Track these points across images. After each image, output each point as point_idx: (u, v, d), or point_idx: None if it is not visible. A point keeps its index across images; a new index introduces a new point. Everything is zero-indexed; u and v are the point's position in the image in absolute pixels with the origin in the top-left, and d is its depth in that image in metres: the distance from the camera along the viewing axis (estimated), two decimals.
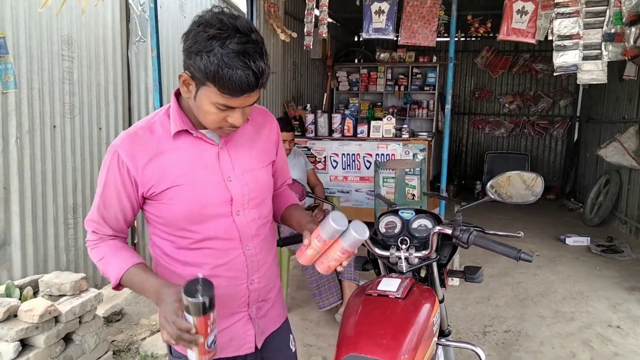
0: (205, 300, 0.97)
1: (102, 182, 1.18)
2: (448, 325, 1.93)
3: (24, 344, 2.30)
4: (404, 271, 1.61)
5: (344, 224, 1.17)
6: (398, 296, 1.40)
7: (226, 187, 1.21)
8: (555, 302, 3.50)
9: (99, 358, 2.70)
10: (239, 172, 1.23)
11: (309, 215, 1.36)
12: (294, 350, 1.52)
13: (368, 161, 5.08)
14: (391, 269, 1.67)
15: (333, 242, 1.18)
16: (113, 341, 2.97)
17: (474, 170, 8.89)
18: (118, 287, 1.19)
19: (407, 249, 1.62)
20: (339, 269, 1.23)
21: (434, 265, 1.68)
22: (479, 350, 1.66)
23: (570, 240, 4.75)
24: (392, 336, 1.27)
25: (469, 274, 1.70)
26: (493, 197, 1.57)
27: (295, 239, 1.66)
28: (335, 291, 3.08)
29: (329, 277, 3.06)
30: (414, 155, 4.93)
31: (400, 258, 1.62)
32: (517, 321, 3.22)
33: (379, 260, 1.76)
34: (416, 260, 1.62)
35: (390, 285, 1.46)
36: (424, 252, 1.61)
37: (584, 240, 4.72)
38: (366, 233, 1.19)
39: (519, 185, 1.51)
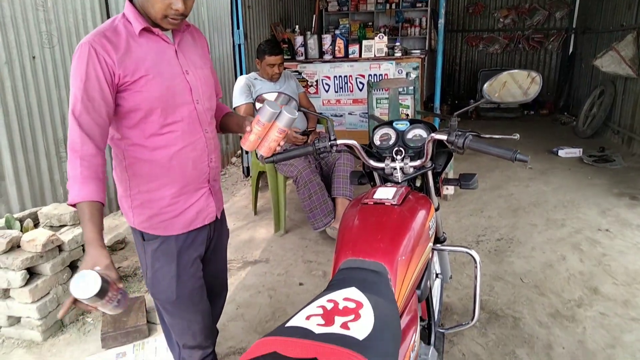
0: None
1: (83, 76, 1.27)
2: (443, 232, 1.99)
3: (31, 273, 2.36)
4: (399, 181, 1.62)
5: (277, 108, 1.42)
6: (394, 203, 1.41)
7: (185, 79, 1.43)
8: (547, 210, 3.59)
9: None
10: (192, 68, 1.46)
11: (244, 117, 1.59)
12: (227, 228, 1.85)
13: (361, 82, 4.97)
14: (387, 180, 1.68)
15: (270, 125, 1.44)
16: (119, 267, 3.06)
17: (467, 89, 8.76)
18: (73, 205, 1.29)
19: (402, 159, 1.62)
20: (278, 148, 1.49)
21: (429, 174, 1.69)
22: (473, 253, 1.71)
23: (563, 152, 4.79)
24: (389, 240, 1.30)
25: (464, 180, 1.71)
26: (489, 98, 1.54)
27: (287, 155, 1.66)
28: (328, 212, 3.14)
29: (321, 200, 3.10)
30: (407, 74, 4.82)
31: (395, 169, 1.62)
32: (509, 230, 3.32)
33: (374, 173, 1.76)
34: (411, 169, 1.62)
35: (386, 193, 1.47)
36: (419, 161, 1.61)
37: (576, 152, 4.77)
38: (296, 113, 1.44)
39: (518, 81, 1.48)
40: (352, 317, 1.04)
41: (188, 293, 1.57)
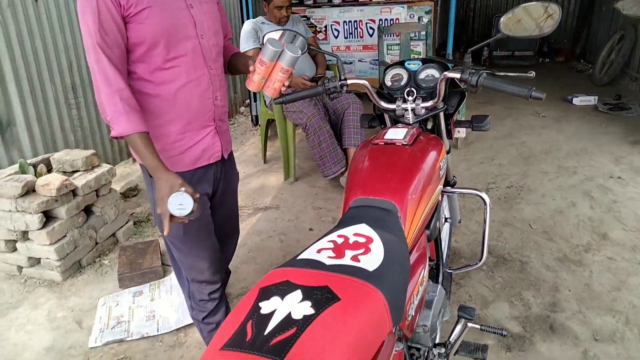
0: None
1: (95, 10, 1.26)
2: (453, 176, 1.98)
3: (48, 216, 2.41)
4: (411, 122, 1.60)
5: (280, 46, 1.39)
6: (405, 143, 1.40)
7: (189, 12, 1.40)
8: (559, 158, 3.56)
9: (121, 227, 2.86)
10: (197, 3, 1.43)
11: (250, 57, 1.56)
12: (237, 171, 1.84)
13: (371, 28, 4.82)
14: (397, 122, 1.65)
15: (274, 64, 1.41)
16: (132, 213, 3.12)
17: (481, 36, 8.48)
18: (117, 138, 1.33)
19: (414, 100, 1.59)
20: (283, 89, 1.46)
21: (441, 115, 1.66)
22: (483, 195, 1.71)
23: (577, 100, 4.68)
24: (399, 179, 1.30)
25: (476, 122, 1.68)
26: (505, 32, 1.49)
27: (297, 96, 1.64)
28: (338, 160, 3.13)
29: (331, 148, 3.09)
30: (420, 18, 4.66)
31: (406, 110, 1.59)
32: (520, 177, 3.30)
33: (384, 115, 1.74)
34: (423, 111, 1.60)
35: (397, 134, 1.45)
36: (430, 102, 1.58)
37: (591, 100, 4.65)
38: (299, 51, 1.40)
39: (534, 15, 1.42)
40: (362, 250, 1.05)
41: (196, 229, 1.60)
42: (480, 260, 1.75)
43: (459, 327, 1.46)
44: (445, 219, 2.01)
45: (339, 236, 1.12)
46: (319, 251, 1.06)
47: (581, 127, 4.13)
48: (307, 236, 2.80)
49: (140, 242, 2.83)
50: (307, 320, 0.81)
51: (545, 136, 4.00)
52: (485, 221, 1.72)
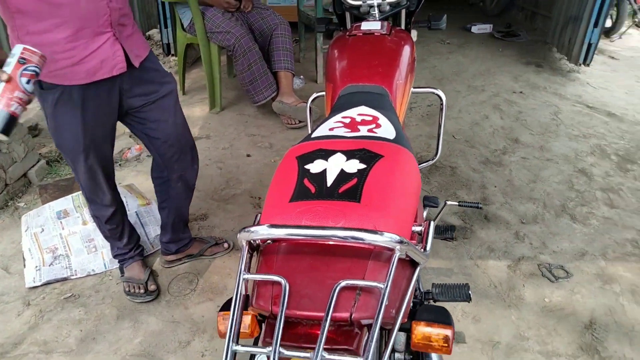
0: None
1: None
2: None
3: None
4: (377, 19, 1.61)
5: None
6: (384, 33, 1.42)
7: None
8: (468, 79, 3.84)
9: (33, 167, 2.56)
10: None
11: None
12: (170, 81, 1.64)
13: None
14: (361, 20, 1.65)
15: None
16: (40, 153, 2.78)
17: None
18: None
19: None
20: None
21: (403, 13, 1.69)
22: (439, 92, 1.80)
23: (475, 29, 5.03)
24: (387, 65, 1.33)
25: (434, 20, 1.75)
26: None
27: None
28: (269, 84, 3.05)
29: (262, 71, 2.99)
30: None
31: (372, 6, 1.60)
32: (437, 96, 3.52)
33: (346, 16, 1.73)
34: (387, 7, 1.62)
35: (372, 25, 1.47)
36: None
37: (487, 28, 5.03)
38: None
39: None
40: (373, 125, 1.07)
41: (93, 143, 1.49)
42: (436, 156, 1.88)
43: (439, 207, 1.59)
44: None
45: (344, 117, 1.13)
46: (331, 129, 1.06)
47: (482, 51, 4.47)
48: (246, 162, 2.75)
49: (62, 179, 2.56)
50: (363, 172, 0.83)
51: (453, 60, 4.27)
52: (440, 117, 1.83)
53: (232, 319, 0.71)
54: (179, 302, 1.85)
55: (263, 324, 0.81)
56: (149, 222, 2.09)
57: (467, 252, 2.04)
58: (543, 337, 1.65)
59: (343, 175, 0.82)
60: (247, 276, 0.73)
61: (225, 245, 2.04)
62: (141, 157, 2.80)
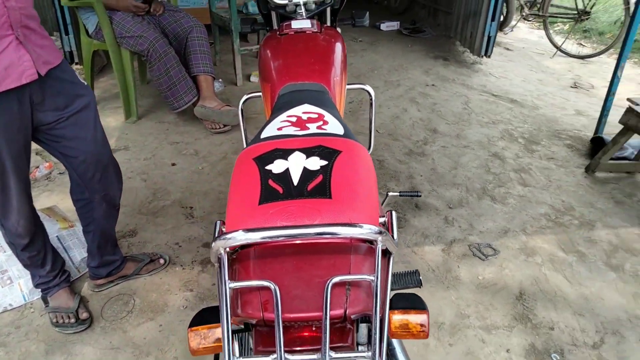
0: None
1: None
2: None
3: None
4: (305, 17, 1.62)
5: None
6: (316, 30, 1.43)
7: None
8: (383, 74, 3.99)
9: None
10: None
11: None
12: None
13: None
14: (287, 19, 1.65)
15: None
16: None
17: None
18: None
19: None
20: None
21: (328, 11, 1.72)
22: (368, 88, 1.85)
23: (384, 26, 5.24)
24: (323, 63, 1.33)
25: (358, 17, 1.79)
26: None
27: None
28: (189, 89, 2.93)
29: (180, 76, 2.87)
30: None
31: (298, 5, 1.60)
32: (356, 93, 3.61)
33: (272, 15, 1.71)
34: (313, 6, 1.63)
35: (303, 24, 1.47)
36: None
37: (395, 25, 5.26)
38: None
39: None
40: (321, 122, 1.07)
41: (4, 164, 1.34)
42: (369, 150, 1.92)
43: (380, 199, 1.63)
44: None
45: (289, 116, 1.11)
46: (280, 129, 1.04)
47: (392, 48, 4.67)
48: (172, 171, 2.63)
49: None
50: (326, 168, 0.82)
51: (367, 57, 4.41)
52: (371, 111, 1.88)
53: (226, 333, 0.66)
54: (116, 327, 1.72)
55: (235, 335, 0.78)
56: (73, 246, 1.92)
57: (404, 241, 2.11)
58: (481, 312, 1.76)
59: (307, 173, 0.81)
60: (233, 285, 0.69)
61: (161, 261, 1.93)
62: (52, 175, 2.57)
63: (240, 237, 0.66)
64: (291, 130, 1.02)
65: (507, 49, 4.85)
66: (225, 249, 0.69)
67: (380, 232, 0.67)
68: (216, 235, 0.91)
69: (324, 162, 0.84)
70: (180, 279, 1.90)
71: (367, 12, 1.78)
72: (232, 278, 0.74)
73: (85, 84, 1.50)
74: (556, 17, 4.96)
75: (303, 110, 1.14)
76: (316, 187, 0.77)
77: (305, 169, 0.82)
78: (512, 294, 1.84)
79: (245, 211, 0.76)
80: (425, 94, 3.62)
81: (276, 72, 1.32)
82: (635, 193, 2.44)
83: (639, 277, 1.92)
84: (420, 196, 1.72)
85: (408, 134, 3.04)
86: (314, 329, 0.72)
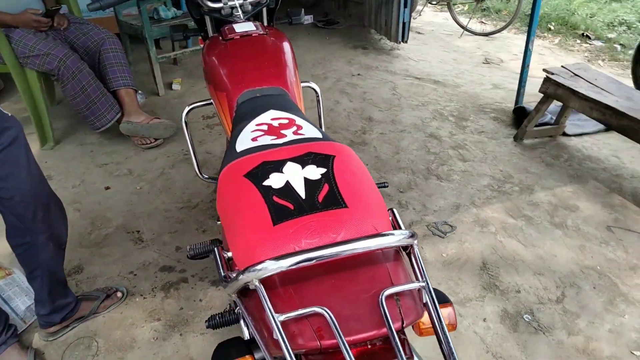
0: None
1: None
2: None
3: None
4: (242, 20, 1.55)
5: None
6: (262, 33, 1.37)
7: None
8: (308, 69, 3.98)
9: None
10: None
11: None
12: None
13: None
14: (224, 22, 1.57)
15: None
16: None
17: None
18: None
19: None
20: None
21: (264, 11, 1.66)
22: (313, 85, 1.83)
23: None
24: (277, 65, 1.29)
25: (294, 15, 1.75)
26: None
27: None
28: (110, 105, 2.72)
29: (99, 92, 2.65)
30: None
31: (235, 7, 1.53)
32: None
33: (206, 20, 1.63)
34: (250, 7, 1.57)
35: (247, 27, 1.40)
36: None
37: (309, 18, 5.25)
38: None
39: None
40: (295, 128, 1.03)
41: None
42: None
43: None
44: None
45: (259, 125, 1.06)
46: (254, 139, 0.99)
47: (311, 41, 4.67)
48: (107, 195, 2.44)
49: None
50: (328, 175, 0.79)
51: None
52: (318, 107, 1.86)
53: None
54: None
55: None
56: (14, 295, 1.71)
57: None
58: (453, 288, 1.82)
59: (310, 184, 0.77)
60: (284, 317, 0.63)
61: (119, 294, 1.78)
62: None
63: (272, 267, 0.60)
64: (268, 140, 0.97)
65: (419, 32, 5.04)
66: (259, 280, 0.63)
67: (412, 236, 0.66)
68: (219, 262, 0.84)
69: (323, 170, 0.80)
70: (143, 310, 1.76)
71: (303, 10, 1.76)
72: (270, 309, 0.66)
73: (10, 114, 1.33)
74: None
75: (271, 116, 1.09)
76: (326, 197, 0.74)
77: (306, 180, 0.78)
78: (476, 265, 1.93)
79: (261, 234, 0.70)
80: (353, 84, 3.67)
81: (230, 80, 1.25)
82: (561, 154, 2.66)
83: (580, 230, 2.10)
84: (387, 186, 1.74)
85: (345, 125, 3.06)
86: (369, 346, 0.68)
